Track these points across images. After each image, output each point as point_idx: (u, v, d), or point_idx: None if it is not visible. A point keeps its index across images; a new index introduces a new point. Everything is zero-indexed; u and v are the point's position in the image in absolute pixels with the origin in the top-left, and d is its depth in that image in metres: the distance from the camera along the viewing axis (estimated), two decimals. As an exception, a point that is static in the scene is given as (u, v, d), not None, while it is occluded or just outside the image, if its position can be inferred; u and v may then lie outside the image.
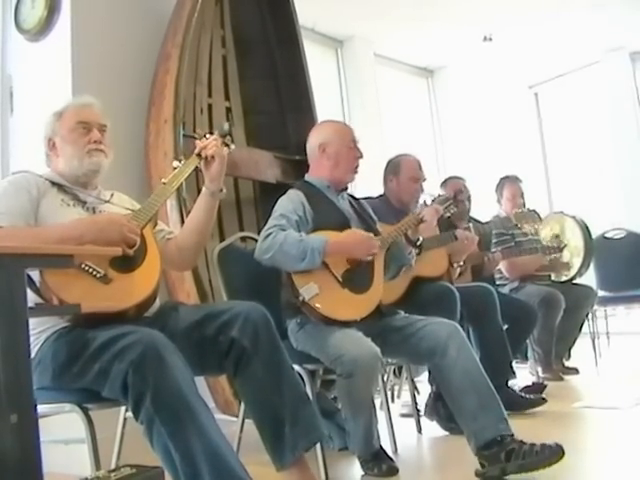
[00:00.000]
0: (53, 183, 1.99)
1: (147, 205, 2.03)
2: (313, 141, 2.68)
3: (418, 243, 2.67)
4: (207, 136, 2.21)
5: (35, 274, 1.70)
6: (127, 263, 1.83)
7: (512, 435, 2.14)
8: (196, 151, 2.15)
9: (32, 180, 1.94)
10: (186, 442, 1.54)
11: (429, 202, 2.83)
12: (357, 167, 2.66)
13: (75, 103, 2.12)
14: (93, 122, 2.07)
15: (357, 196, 2.89)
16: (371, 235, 2.48)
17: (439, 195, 2.91)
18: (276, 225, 2.40)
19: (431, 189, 3.84)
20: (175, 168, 2.15)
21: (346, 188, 2.73)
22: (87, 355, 1.67)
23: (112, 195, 2.15)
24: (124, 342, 1.62)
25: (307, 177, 2.70)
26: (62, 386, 1.73)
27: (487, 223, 3.95)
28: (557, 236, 4.29)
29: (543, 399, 3.21)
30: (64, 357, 1.71)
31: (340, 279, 2.41)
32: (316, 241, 2.36)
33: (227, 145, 2.26)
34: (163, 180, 2.11)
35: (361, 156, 2.65)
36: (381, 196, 3.43)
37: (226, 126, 2.36)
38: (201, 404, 1.62)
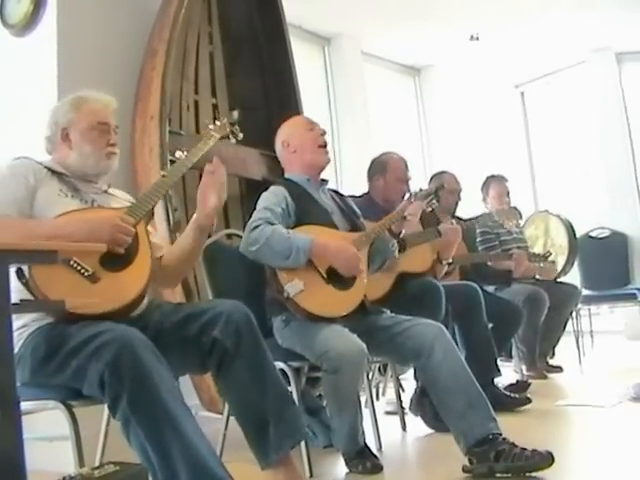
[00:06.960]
0: (53, 172, 1.95)
1: (143, 199, 1.97)
2: (277, 142, 2.71)
3: (401, 235, 2.67)
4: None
5: (26, 269, 1.67)
6: (117, 261, 1.80)
7: (502, 435, 2.14)
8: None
9: (31, 167, 1.91)
10: (163, 444, 1.52)
11: (411, 197, 2.79)
12: (322, 146, 2.64)
13: (95, 99, 2.06)
14: (111, 123, 2.06)
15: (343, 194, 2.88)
16: (360, 258, 2.46)
17: (420, 190, 2.86)
18: (262, 218, 2.38)
19: (417, 187, 3.83)
20: (176, 159, 2.08)
21: (326, 181, 2.73)
22: (64, 352, 1.66)
23: (109, 186, 2.12)
24: (100, 341, 1.60)
25: (286, 175, 2.71)
26: (40, 382, 1.72)
27: (471, 220, 3.93)
28: (548, 251, 4.28)
29: (528, 399, 3.21)
30: (42, 353, 1.70)
31: (324, 275, 2.41)
32: (302, 240, 2.36)
33: (234, 134, 2.22)
34: (162, 172, 2.05)
35: (324, 133, 2.66)
36: (365, 194, 3.42)
37: (235, 114, 2.29)
38: (179, 405, 1.59)
